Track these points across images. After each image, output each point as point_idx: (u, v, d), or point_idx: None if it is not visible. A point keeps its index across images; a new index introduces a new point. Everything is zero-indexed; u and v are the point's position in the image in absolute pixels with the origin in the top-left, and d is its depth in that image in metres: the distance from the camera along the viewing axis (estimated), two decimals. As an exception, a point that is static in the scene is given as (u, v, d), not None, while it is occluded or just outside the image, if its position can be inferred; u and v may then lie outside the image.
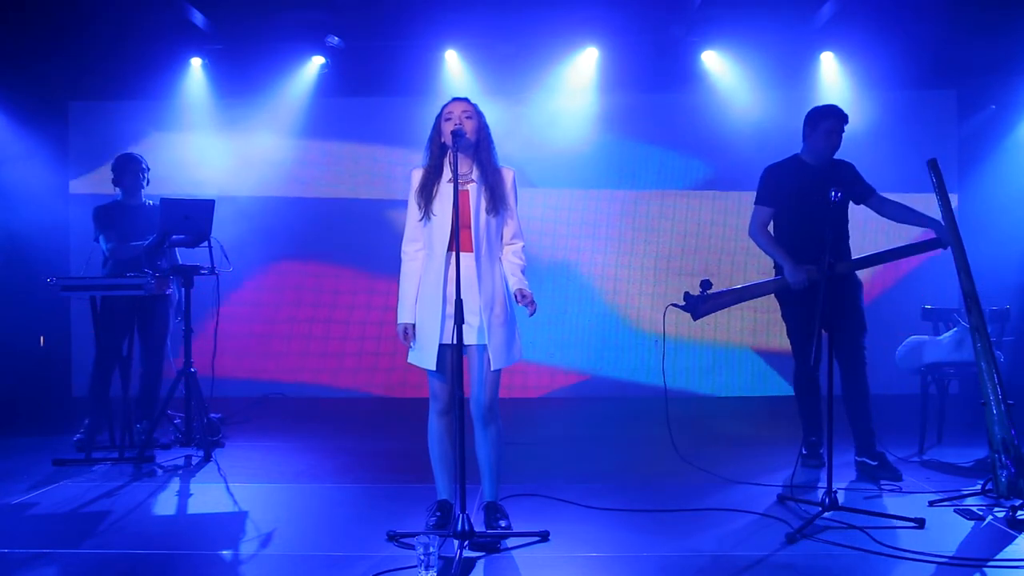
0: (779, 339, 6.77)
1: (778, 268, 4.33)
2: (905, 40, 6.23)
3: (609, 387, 6.83)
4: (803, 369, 4.29)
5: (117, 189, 5.01)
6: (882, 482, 4.01)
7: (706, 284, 4.04)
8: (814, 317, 4.12)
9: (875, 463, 4.12)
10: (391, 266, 3.61)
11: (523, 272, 3.33)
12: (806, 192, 4.16)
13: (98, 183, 6.53)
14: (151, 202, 4.99)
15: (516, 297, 3.26)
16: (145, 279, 4.42)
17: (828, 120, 4.18)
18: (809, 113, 4.30)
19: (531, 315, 3.21)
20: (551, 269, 6.82)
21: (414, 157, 3.54)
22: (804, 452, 4.33)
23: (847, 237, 4.29)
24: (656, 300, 6.84)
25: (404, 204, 3.37)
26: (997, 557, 3.06)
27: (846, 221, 4.29)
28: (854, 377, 4.20)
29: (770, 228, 4.36)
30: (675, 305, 4.15)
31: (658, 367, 6.81)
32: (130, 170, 4.97)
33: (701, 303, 4.11)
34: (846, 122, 4.22)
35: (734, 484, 4.04)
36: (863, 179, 4.32)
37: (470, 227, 3.22)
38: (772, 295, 4.38)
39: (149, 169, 5.08)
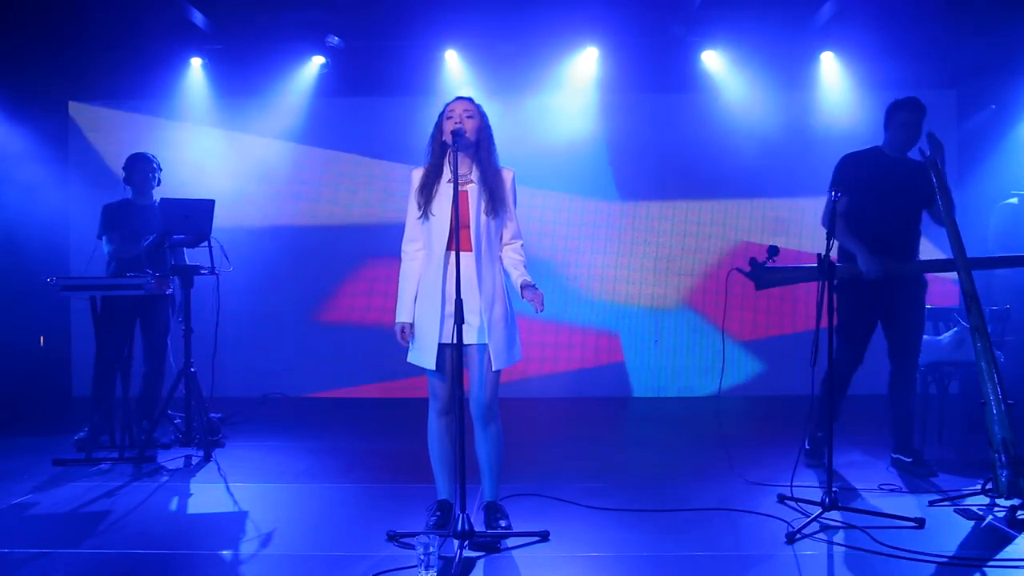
0: (778, 339, 6.81)
1: (844, 256, 4.21)
2: (905, 40, 6.23)
3: (608, 387, 6.83)
4: (840, 366, 4.19)
5: (128, 188, 5.02)
6: (917, 479, 4.05)
7: (773, 250, 3.85)
8: (866, 317, 4.12)
9: (910, 460, 4.17)
10: (390, 264, 3.61)
11: (524, 268, 3.32)
12: (882, 184, 4.10)
13: (98, 183, 6.54)
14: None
15: (523, 294, 3.21)
16: (145, 279, 4.42)
17: (901, 112, 4.13)
18: (889, 105, 4.23)
19: (539, 311, 3.18)
20: (551, 269, 6.82)
21: (414, 157, 3.54)
22: (807, 447, 4.31)
23: (919, 235, 4.20)
24: (656, 300, 6.84)
25: (403, 203, 3.37)
26: (997, 557, 3.07)
27: (918, 220, 4.20)
28: (905, 376, 4.19)
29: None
30: (739, 270, 4.05)
31: (657, 368, 6.84)
32: (140, 169, 4.97)
33: (766, 272, 4.01)
34: (922, 114, 4.12)
35: (734, 484, 4.04)
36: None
37: (469, 227, 3.22)
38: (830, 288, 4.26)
39: (161, 169, 5.08)
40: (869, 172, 4.17)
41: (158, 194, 4.99)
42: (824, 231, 3.65)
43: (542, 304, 3.18)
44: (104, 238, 4.90)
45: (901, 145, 4.16)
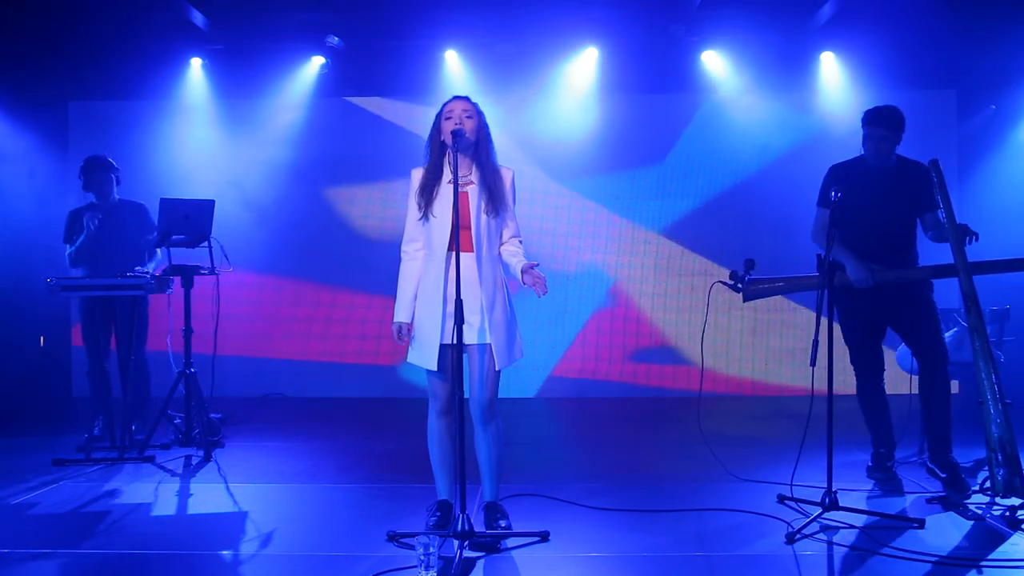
0: (778, 339, 6.82)
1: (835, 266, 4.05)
2: (905, 40, 6.24)
3: (608, 387, 6.83)
4: (864, 379, 4.16)
5: (89, 193, 4.97)
6: (949, 493, 3.80)
7: (750, 264, 3.83)
8: (868, 324, 4.04)
9: (944, 475, 3.90)
10: (391, 264, 3.61)
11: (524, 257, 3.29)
12: (868, 193, 3.97)
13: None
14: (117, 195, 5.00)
15: (523, 278, 3.17)
16: (145, 279, 4.42)
17: (867, 127, 3.99)
18: (862, 116, 4.07)
19: (541, 296, 3.14)
20: (551, 269, 6.82)
21: (413, 157, 3.54)
22: (870, 464, 4.20)
23: (913, 243, 4.09)
24: (656, 300, 6.84)
25: (403, 203, 3.37)
26: (995, 556, 3.07)
27: (912, 226, 4.08)
28: (935, 376, 4.00)
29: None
30: (723, 282, 3.97)
31: (659, 368, 6.85)
32: (98, 171, 4.92)
33: (751, 284, 3.93)
34: (889, 128, 3.95)
35: (734, 484, 4.04)
36: (933, 191, 3.88)
37: (470, 228, 3.22)
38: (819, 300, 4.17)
39: (119, 169, 5.03)
40: (855, 182, 4.00)
41: (119, 193, 5.00)
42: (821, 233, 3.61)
43: (544, 287, 3.12)
44: (68, 245, 4.88)
45: (873, 159, 4.02)
